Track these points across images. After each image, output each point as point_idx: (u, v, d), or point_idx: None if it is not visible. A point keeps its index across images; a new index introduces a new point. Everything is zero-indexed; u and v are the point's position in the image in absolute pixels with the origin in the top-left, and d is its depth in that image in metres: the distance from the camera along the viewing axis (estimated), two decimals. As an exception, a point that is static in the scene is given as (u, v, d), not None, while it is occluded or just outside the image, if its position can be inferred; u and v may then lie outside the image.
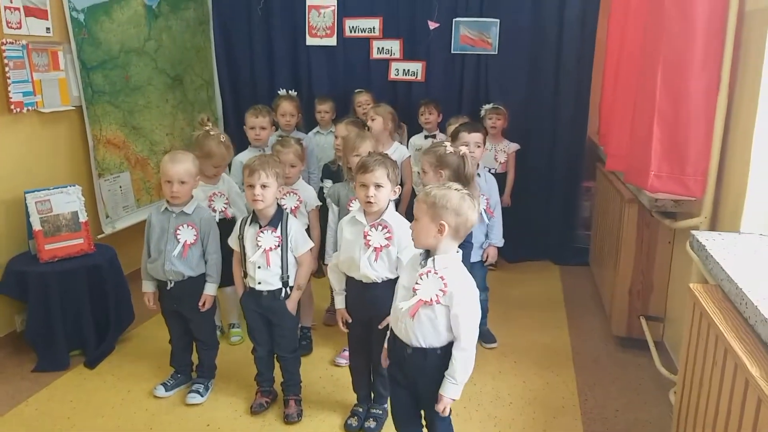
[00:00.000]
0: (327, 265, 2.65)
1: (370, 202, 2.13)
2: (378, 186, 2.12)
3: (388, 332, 1.93)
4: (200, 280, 2.52)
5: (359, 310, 2.28)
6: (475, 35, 4.23)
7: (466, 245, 2.27)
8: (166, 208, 2.48)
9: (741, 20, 2.11)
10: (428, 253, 1.75)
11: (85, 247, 2.97)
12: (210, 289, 2.54)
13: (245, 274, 2.41)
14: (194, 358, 2.70)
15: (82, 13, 3.31)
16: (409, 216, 1.87)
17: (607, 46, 3.62)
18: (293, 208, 2.75)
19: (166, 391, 2.62)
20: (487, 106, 4.03)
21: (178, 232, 2.45)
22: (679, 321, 2.53)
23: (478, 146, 2.82)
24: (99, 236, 3.33)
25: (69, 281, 2.82)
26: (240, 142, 3.34)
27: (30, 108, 2.97)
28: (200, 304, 2.52)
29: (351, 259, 2.20)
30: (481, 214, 2.81)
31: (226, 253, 2.53)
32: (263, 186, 2.27)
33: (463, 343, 1.73)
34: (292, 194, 2.78)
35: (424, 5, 4.25)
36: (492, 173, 3.51)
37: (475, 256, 2.87)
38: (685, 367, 1.89)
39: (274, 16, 4.51)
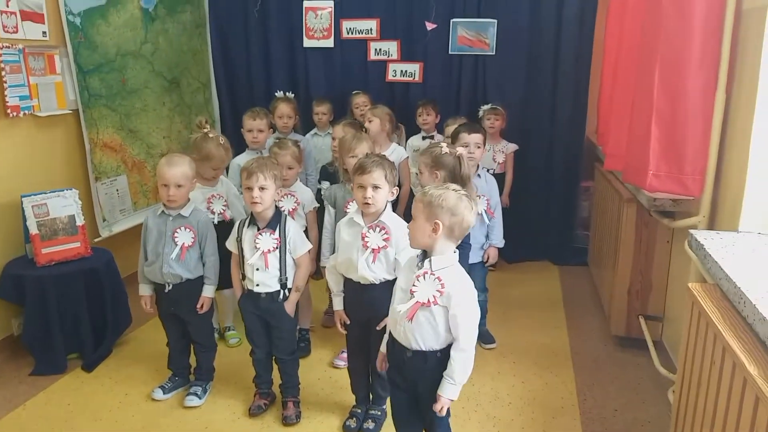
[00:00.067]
0: (323, 267, 2.65)
1: (367, 204, 2.12)
2: (376, 187, 2.11)
3: (386, 336, 1.92)
4: (198, 282, 2.52)
5: (357, 312, 2.27)
6: (473, 36, 4.23)
7: (464, 246, 2.27)
8: (162, 211, 2.47)
9: (738, 19, 2.11)
10: (425, 255, 1.75)
11: (82, 251, 2.97)
12: (208, 291, 2.54)
13: (243, 277, 2.40)
14: (192, 360, 2.70)
15: (79, 17, 3.30)
16: (408, 217, 1.87)
17: (605, 45, 3.62)
18: (291, 210, 2.75)
19: (164, 393, 2.61)
20: (486, 107, 4.02)
21: (175, 234, 2.45)
22: (678, 320, 2.53)
23: (479, 147, 2.82)
24: (96, 240, 3.32)
25: (66, 285, 2.81)
26: (237, 145, 3.33)
27: (26, 112, 2.97)
28: (198, 306, 2.52)
29: (349, 261, 2.20)
30: (481, 214, 2.81)
31: (224, 255, 2.52)
32: (261, 188, 2.27)
33: (461, 343, 1.72)
34: (289, 196, 2.77)
35: (421, 6, 4.25)
36: (490, 174, 3.51)
37: (475, 257, 2.87)
38: (684, 366, 1.89)
39: (271, 18, 4.51)
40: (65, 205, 2.97)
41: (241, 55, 4.64)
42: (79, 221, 2.99)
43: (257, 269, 2.34)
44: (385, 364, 1.95)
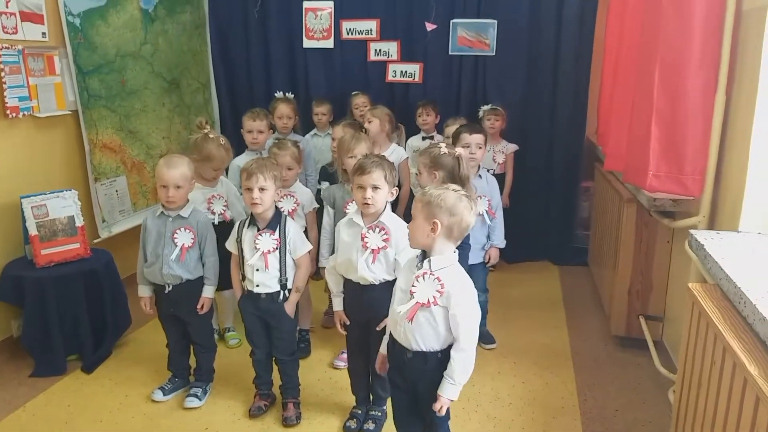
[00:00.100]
0: (322, 268, 2.64)
1: (367, 204, 2.12)
2: (375, 188, 2.11)
3: (387, 337, 1.92)
4: (198, 283, 2.52)
5: (357, 312, 2.27)
6: (473, 36, 4.23)
7: (463, 246, 2.27)
8: (162, 212, 2.47)
9: (738, 19, 2.11)
10: (424, 255, 1.75)
11: (81, 252, 2.97)
12: (208, 291, 2.54)
13: (243, 277, 2.40)
14: (192, 361, 2.69)
15: (78, 18, 3.30)
16: (408, 218, 1.86)
17: (605, 45, 3.62)
18: (290, 210, 2.75)
19: (164, 395, 2.60)
20: (486, 107, 4.02)
21: (175, 235, 2.44)
22: (679, 320, 2.53)
23: (480, 147, 2.82)
24: (95, 241, 3.32)
25: (65, 286, 2.81)
26: (237, 146, 3.32)
27: (26, 113, 2.97)
28: (198, 307, 2.51)
29: (348, 261, 2.20)
30: (482, 215, 2.81)
31: (224, 256, 2.52)
32: (261, 189, 2.26)
33: (462, 343, 1.72)
34: (289, 197, 2.77)
35: (421, 7, 4.24)
36: (490, 174, 3.51)
37: (477, 258, 2.86)
38: (684, 366, 1.88)
39: (271, 19, 4.51)
40: (64, 206, 2.96)
41: (240, 55, 4.64)
42: (79, 222, 2.98)
43: (257, 270, 2.34)
44: (385, 365, 1.95)
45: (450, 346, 1.74)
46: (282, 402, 2.50)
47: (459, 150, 2.37)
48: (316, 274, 2.81)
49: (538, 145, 4.29)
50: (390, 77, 4.44)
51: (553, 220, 4.37)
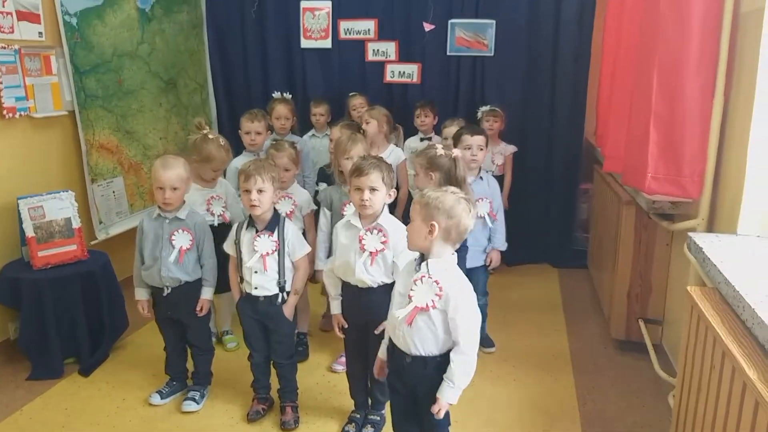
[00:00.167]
0: (318, 271, 2.63)
1: (364, 206, 2.11)
2: (373, 189, 2.10)
3: (385, 341, 1.91)
4: (196, 284, 2.51)
5: (355, 315, 2.26)
6: (471, 37, 4.22)
7: (461, 248, 2.26)
8: (159, 214, 2.45)
9: (736, 21, 2.11)
10: (423, 258, 1.74)
11: (78, 254, 2.95)
12: (207, 293, 2.53)
13: (241, 279, 2.39)
14: (190, 365, 2.68)
15: (75, 17, 3.29)
16: (406, 220, 1.85)
17: (603, 46, 3.62)
18: (288, 212, 2.73)
19: (162, 398, 2.59)
20: (484, 108, 4.01)
21: (173, 237, 2.43)
22: (678, 323, 2.52)
23: (481, 149, 2.82)
24: (92, 242, 3.30)
25: (62, 288, 2.80)
26: (234, 147, 3.30)
27: (22, 113, 2.95)
28: (198, 309, 2.50)
29: (346, 264, 2.18)
30: (484, 217, 2.80)
31: (222, 258, 2.51)
32: (259, 191, 2.25)
33: (462, 347, 1.71)
34: (286, 198, 2.76)
35: (419, 7, 4.23)
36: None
37: (478, 261, 2.86)
38: (684, 370, 1.88)
39: (268, 19, 4.50)
40: (61, 207, 2.95)
41: (238, 55, 4.63)
42: (76, 224, 2.97)
43: (255, 272, 2.32)
44: (384, 370, 1.94)
45: (449, 351, 1.74)
46: (280, 406, 2.49)
47: (456, 151, 2.36)
48: (312, 277, 2.80)
49: (537, 146, 4.28)
50: (388, 78, 4.43)
51: (552, 222, 4.36)
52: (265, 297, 2.35)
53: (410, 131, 4.05)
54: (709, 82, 2.16)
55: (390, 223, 2.18)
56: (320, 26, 4.45)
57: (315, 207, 2.86)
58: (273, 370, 2.51)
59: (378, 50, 4.40)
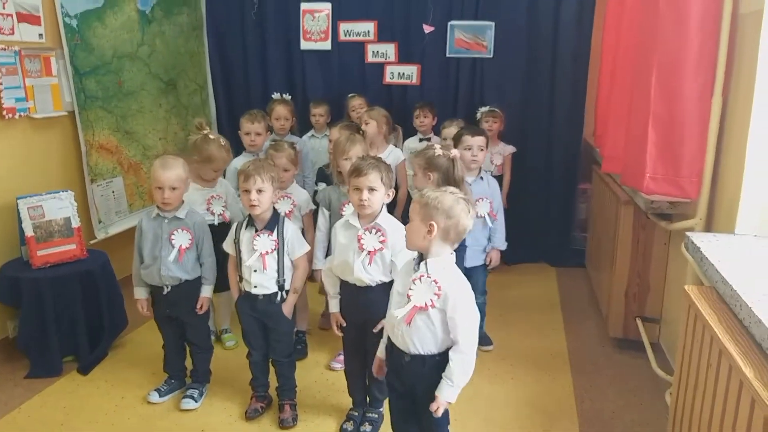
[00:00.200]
0: (316, 270, 2.63)
1: (363, 206, 2.12)
2: (371, 189, 2.11)
3: (384, 340, 1.91)
4: (196, 283, 2.52)
5: (354, 314, 2.26)
6: (470, 38, 4.23)
7: (459, 247, 2.27)
8: (158, 214, 2.46)
9: (735, 22, 2.12)
10: (421, 258, 1.75)
11: (77, 253, 2.96)
12: (206, 291, 2.54)
13: (241, 278, 2.39)
14: (188, 363, 2.69)
15: (75, 19, 3.29)
16: (405, 220, 1.86)
17: (602, 47, 3.63)
18: (287, 212, 2.74)
19: (160, 396, 2.60)
20: (484, 109, 4.02)
21: (172, 237, 2.44)
22: (676, 322, 2.53)
23: (481, 150, 2.83)
24: (92, 242, 3.31)
25: (62, 287, 2.80)
26: (233, 147, 3.31)
27: (22, 114, 2.96)
28: (198, 307, 2.51)
29: (345, 263, 2.19)
30: (484, 217, 2.81)
31: (221, 257, 2.51)
32: (259, 191, 2.26)
33: (461, 345, 1.71)
34: (285, 198, 2.77)
35: (418, 8, 4.25)
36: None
37: (477, 260, 2.86)
38: (681, 368, 1.89)
39: (268, 21, 4.51)
40: (61, 207, 2.96)
41: (238, 57, 4.64)
42: (75, 223, 2.98)
43: (255, 271, 2.33)
44: (383, 369, 1.95)
45: (448, 350, 1.74)
46: (279, 404, 2.49)
47: (454, 152, 2.37)
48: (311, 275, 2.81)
49: (535, 147, 4.29)
50: (387, 79, 4.44)
51: (551, 222, 4.37)
52: (264, 295, 2.36)
53: (409, 132, 4.06)
54: (708, 84, 2.17)
55: (388, 222, 2.19)
56: (320, 28, 4.46)
57: (314, 207, 2.87)
58: (272, 368, 2.52)
59: (377, 52, 4.41)
